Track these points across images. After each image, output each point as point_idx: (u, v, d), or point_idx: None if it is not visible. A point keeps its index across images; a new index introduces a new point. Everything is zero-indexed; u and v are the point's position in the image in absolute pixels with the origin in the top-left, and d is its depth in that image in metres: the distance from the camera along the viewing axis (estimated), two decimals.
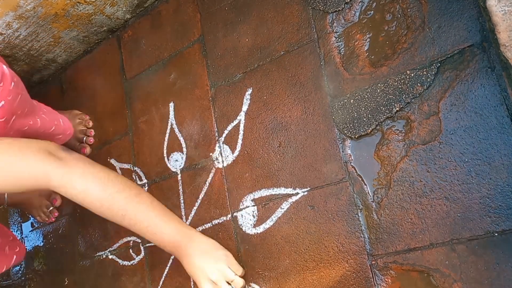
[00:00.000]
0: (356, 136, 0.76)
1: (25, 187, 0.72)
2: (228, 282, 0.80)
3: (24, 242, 1.29)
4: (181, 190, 0.97)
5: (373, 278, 0.71)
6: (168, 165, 1.00)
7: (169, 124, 1.01)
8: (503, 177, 0.63)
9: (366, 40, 0.77)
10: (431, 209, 0.68)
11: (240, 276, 0.81)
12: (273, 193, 0.83)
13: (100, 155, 1.13)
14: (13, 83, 0.78)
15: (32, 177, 0.71)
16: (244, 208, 0.87)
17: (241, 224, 0.87)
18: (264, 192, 0.84)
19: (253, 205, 0.85)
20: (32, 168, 0.70)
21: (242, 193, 0.87)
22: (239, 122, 0.89)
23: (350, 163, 0.76)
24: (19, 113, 0.83)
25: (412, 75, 0.72)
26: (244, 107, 0.89)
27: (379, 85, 0.75)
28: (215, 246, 0.82)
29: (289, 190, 0.81)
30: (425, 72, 0.70)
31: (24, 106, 0.84)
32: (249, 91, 0.89)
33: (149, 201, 0.78)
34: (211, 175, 0.92)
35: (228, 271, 0.79)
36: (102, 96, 1.15)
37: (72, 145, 1.14)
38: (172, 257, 0.95)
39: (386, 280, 0.70)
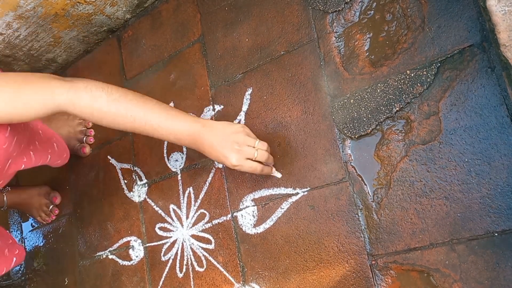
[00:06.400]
0: (356, 136, 0.76)
1: (35, 112, 0.72)
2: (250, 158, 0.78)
3: (24, 242, 1.29)
4: (181, 190, 0.97)
5: (373, 278, 0.71)
6: (168, 165, 1.00)
7: None
8: (503, 177, 0.63)
9: (366, 40, 0.77)
10: (431, 209, 0.68)
11: (258, 146, 0.78)
12: (273, 193, 0.83)
13: (100, 155, 1.13)
14: (9, 129, 0.75)
15: (39, 100, 0.72)
16: (244, 208, 0.86)
17: (241, 224, 0.87)
18: (264, 192, 0.84)
19: (253, 205, 0.85)
20: (38, 90, 0.72)
21: (242, 193, 0.87)
22: (239, 122, 0.89)
23: (350, 163, 0.76)
24: (14, 155, 0.80)
25: (412, 75, 0.72)
26: (244, 107, 0.89)
27: (379, 85, 0.75)
28: (228, 125, 0.79)
29: (289, 190, 0.81)
30: (425, 72, 0.70)
31: (20, 144, 0.81)
32: (249, 91, 0.89)
33: (154, 101, 0.79)
34: (211, 175, 0.92)
35: (248, 141, 0.77)
36: None
37: (72, 145, 1.14)
38: (172, 257, 0.95)
39: (386, 280, 0.70)
